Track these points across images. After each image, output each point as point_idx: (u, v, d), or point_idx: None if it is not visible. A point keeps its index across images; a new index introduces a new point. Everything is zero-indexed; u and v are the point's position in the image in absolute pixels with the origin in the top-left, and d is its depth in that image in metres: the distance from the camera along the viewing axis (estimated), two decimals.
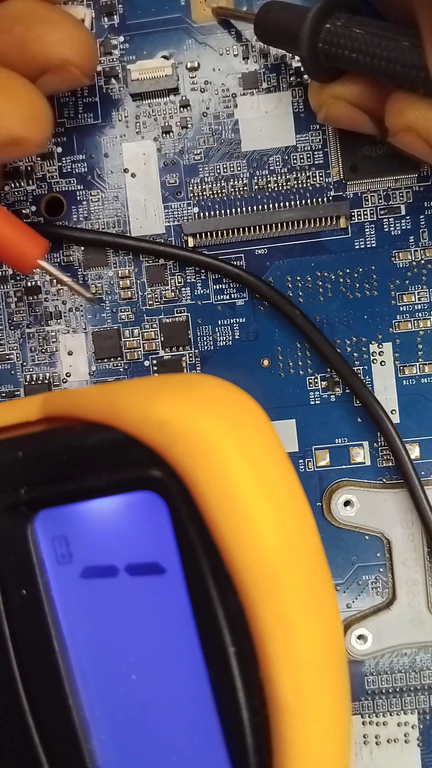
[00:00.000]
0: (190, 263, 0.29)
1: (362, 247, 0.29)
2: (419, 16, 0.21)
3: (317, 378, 0.29)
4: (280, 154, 0.29)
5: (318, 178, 0.29)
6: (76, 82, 0.26)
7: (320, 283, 0.29)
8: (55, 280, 0.29)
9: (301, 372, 0.29)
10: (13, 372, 0.30)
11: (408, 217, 0.29)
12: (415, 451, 0.28)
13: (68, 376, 0.30)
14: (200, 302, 0.29)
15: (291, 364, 0.29)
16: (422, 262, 0.29)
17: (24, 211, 0.29)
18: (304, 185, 0.29)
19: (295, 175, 0.29)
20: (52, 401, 0.22)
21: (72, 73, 0.25)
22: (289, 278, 0.29)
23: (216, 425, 0.19)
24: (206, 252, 0.29)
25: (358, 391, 0.28)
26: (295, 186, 0.29)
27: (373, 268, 0.29)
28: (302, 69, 0.28)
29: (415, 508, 0.28)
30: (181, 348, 0.29)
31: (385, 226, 0.29)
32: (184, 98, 0.29)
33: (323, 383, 0.29)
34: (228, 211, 0.29)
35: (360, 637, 0.29)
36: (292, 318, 0.28)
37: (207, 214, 0.29)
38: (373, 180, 0.29)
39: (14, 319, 0.30)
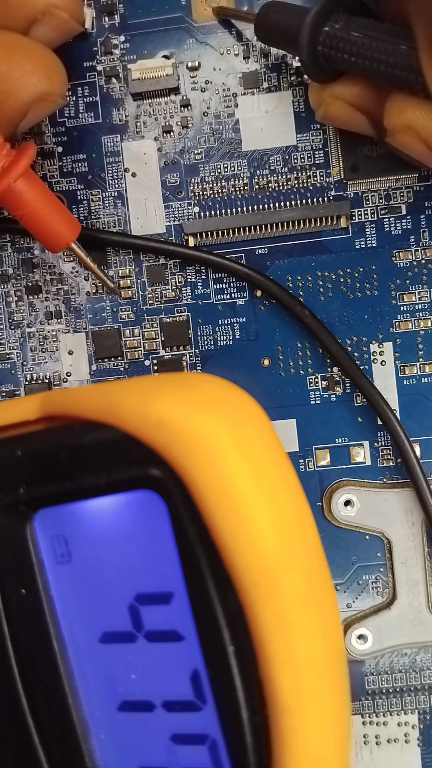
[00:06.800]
0: (194, 262, 0.29)
1: (363, 246, 0.29)
2: (414, 25, 0.21)
3: (318, 378, 0.29)
4: (281, 154, 0.29)
5: (319, 177, 0.29)
6: (67, 28, 0.25)
7: (321, 283, 0.29)
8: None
9: (301, 372, 0.29)
10: (13, 371, 0.30)
11: (408, 217, 0.29)
12: (415, 451, 0.28)
13: (68, 376, 0.30)
14: (201, 302, 0.29)
15: (291, 363, 0.29)
16: (423, 261, 0.29)
17: None
18: (305, 185, 0.29)
19: (295, 175, 0.29)
20: (50, 400, 0.22)
21: (60, 18, 0.25)
22: (290, 278, 0.29)
23: (215, 424, 0.19)
24: (206, 251, 0.29)
25: (367, 392, 0.28)
26: (296, 185, 0.29)
27: (373, 267, 0.29)
28: (303, 69, 0.28)
29: (421, 507, 0.28)
30: (181, 347, 0.29)
31: (385, 226, 0.29)
32: (184, 98, 0.29)
33: (324, 383, 0.29)
34: (228, 210, 0.29)
35: (360, 636, 0.29)
36: (302, 318, 0.28)
37: (207, 213, 0.29)
38: (374, 179, 0.28)
39: (14, 318, 0.30)
